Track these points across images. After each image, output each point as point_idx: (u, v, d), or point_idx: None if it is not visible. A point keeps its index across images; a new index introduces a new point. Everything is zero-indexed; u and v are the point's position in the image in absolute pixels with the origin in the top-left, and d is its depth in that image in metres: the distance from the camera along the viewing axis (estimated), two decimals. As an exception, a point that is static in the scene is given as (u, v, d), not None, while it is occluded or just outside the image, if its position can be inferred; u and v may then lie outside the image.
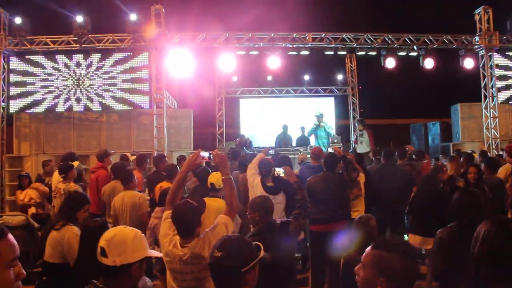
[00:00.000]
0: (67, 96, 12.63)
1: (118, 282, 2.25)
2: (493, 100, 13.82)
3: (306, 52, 13.42)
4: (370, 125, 13.26)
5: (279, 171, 6.03)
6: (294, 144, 13.90)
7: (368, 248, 2.18)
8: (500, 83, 14.13)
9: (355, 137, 13.54)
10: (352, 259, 3.86)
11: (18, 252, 1.78)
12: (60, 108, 12.67)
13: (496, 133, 13.65)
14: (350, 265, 3.86)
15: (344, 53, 14.24)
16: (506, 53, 14.27)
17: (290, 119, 16.22)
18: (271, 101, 18.22)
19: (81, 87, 12.64)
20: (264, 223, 3.92)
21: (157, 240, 5.20)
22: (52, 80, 12.64)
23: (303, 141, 13.54)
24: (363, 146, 12.48)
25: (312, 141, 13.64)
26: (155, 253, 2.48)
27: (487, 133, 13.78)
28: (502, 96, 14.20)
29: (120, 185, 6.44)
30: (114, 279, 2.24)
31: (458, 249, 3.74)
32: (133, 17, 12.17)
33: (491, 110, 13.75)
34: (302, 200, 4.53)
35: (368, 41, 13.57)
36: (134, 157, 8.55)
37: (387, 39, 13.57)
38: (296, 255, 7.19)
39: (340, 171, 6.54)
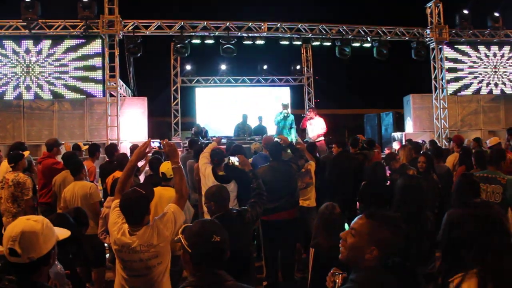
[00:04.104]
0: (16, 83, 12.22)
1: (38, 273, 2.23)
2: (443, 92, 14.31)
3: (261, 42, 13.43)
4: (326, 115, 13.33)
5: (233, 160, 5.99)
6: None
7: (361, 217, 2.25)
8: (449, 75, 14.60)
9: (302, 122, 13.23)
10: (320, 246, 3.94)
11: None
12: (9, 96, 12.24)
13: (445, 123, 14.12)
14: (321, 252, 3.92)
15: (299, 43, 14.32)
16: (455, 46, 14.75)
17: (247, 109, 16.21)
18: (228, 90, 18.13)
19: (31, 74, 12.25)
20: (220, 212, 3.93)
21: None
22: (0, 67, 12.21)
23: (259, 131, 13.50)
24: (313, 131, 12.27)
25: (273, 131, 13.34)
26: (62, 233, 2.44)
27: (437, 123, 14.25)
28: (452, 87, 14.68)
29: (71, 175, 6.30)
30: (35, 273, 2.21)
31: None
32: (85, 2, 11.84)
33: (441, 101, 14.23)
34: (258, 188, 4.55)
35: (323, 31, 13.73)
36: (87, 146, 8.37)
37: (341, 30, 13.78)
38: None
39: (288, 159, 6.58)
